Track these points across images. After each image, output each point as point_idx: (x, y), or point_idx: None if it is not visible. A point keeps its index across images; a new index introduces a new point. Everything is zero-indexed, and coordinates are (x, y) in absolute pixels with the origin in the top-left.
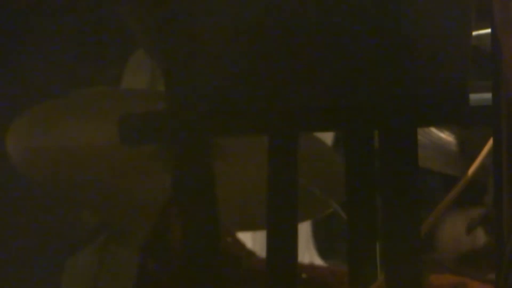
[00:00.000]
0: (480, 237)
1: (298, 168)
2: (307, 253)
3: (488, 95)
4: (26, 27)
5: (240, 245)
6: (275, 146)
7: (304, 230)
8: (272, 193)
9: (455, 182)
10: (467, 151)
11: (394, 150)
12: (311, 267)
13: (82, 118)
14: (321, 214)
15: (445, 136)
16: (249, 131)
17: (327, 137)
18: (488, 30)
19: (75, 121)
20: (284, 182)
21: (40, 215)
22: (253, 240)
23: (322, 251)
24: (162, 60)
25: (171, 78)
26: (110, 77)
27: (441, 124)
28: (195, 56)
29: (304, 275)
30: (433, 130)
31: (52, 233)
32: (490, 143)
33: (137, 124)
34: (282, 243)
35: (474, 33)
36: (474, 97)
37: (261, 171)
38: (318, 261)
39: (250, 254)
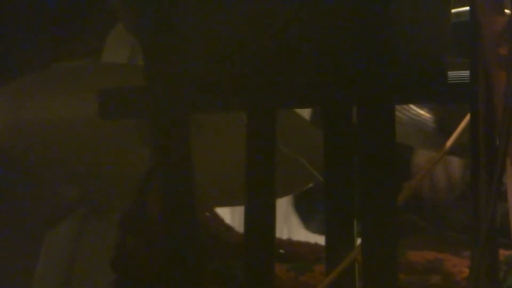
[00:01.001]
0: None
1: (279, 143)
2: (285, 228)
3: (466, 72)
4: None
5: (219, 220)
6: (253, 122)
7: (283, 205)
8: (250, 168)
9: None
10: (445, 128)
11: (372, 126)
12: (289, 242)
13: (62, 92)
14: (305, 187)
15: (424, 113)
16: (227, 106)
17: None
18: (467, 8)
19: (54, 94)
20: (262, 157)
21: (18, 190)
22: (231, 215)
23: (306, 223)
24: (142, 35)
25: (150, 53)
26: (91, 51)
27: (419, 100)
28: (174, 31)
29: (282, 251)
30: (412, 106)
31: (31, 207)
32: (467, 119)
33: (116, 98)
34: (260, 218)
35: (453, 10)
36: (452, 74)
37: (239, 146)
38: (297, 235)
39: (228, 229)
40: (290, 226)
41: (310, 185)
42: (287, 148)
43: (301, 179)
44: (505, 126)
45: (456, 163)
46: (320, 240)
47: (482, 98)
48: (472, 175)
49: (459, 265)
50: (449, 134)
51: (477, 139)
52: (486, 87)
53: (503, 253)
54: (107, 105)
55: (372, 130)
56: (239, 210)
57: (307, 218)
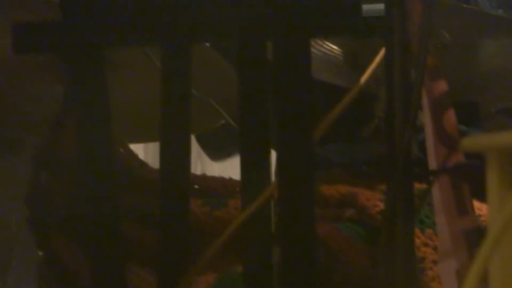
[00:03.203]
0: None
1: (192, 79)
2: (199, 164)
3: (380, 6)
4: None
5: (133, 156)
6: (167, 57)
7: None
8: (165, 104)
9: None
10: (358, 63)
11: (288, 60)
12: (203, 177)
13: None
14: (214, 125)
15: (337, 48)
16: (142, 41)
17: None
18: None
19: None
20: (177, 93)
21: None
22: (145, 151)
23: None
24: None
25: None
26: None
27: (333, 35)
28: None
29: (196, 186)
30: (325, 41)
31: None
32: (381, 53)
33: (31, 33)
34: (175, 154)
35: None
36: (367, 7)
37: (153, 82)
38: (210, 171)
39: (143, 164)
40: (203, 162)
41: (221, 122)
42: (198, 85)
43: (211, 116)
44: (421, 58)
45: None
46: (234, 175)
47: (397, 31)
48: (388, 107)
49: (373, 199)
50: (362, 69)
51: (392, 73)
52: (402, 20)
53: (416, 186)
54: (22, 39)
55: (288, 65)
56: (153, 146)
57: (214, 154)
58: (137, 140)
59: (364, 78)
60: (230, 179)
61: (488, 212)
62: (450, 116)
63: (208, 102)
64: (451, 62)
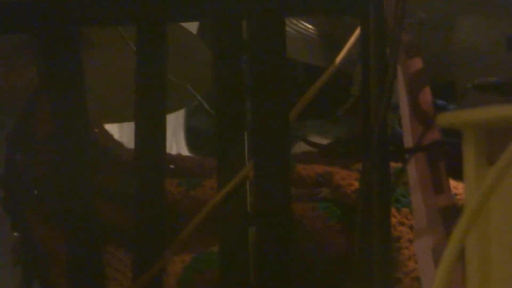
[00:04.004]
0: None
1: (167, 59)
2: (174, 144)
3: None
4: None
5: (108, 136)
6: (143, 37)
7: (171, 121)
8: (140, 84)
9: (321, 72)
10: (333, 42)
11: (263, 40)
12: (179, 157)
13: None
14: (187, 105)
15: (312, 27)
16: (117, 21)
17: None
18: None
19: None
20: (152, 72)
21: None
22: (120, 132)
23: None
24: None
25: None
26: None
27: (308, 14)
28: None
29: (171, 166)
30: (300, 20)
31: None
32: (357, 33)
33: (5, 13)
34: (150, 134)
35: None
36: None
37: (128, 62)
38: (186, 151)
39: (118, 144)
40: (179, 142)
41: (195, 102)
42: (172, 66)
43: (183, 97)
44: (396, 37)
45: None
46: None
47: (372, 10)
48: (362, 86)
49: (348, 178)
50: (337, 48)
51: (367, 51)
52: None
53: (392, 165)
54: None
55: (263, 44)
56: (128, 126)
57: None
58: (112, 120)
59: (339, 58)
60: (206, 159)
61: (464, 189)
62: (426, 94)
63: (182, 84)
64: (427, 40)
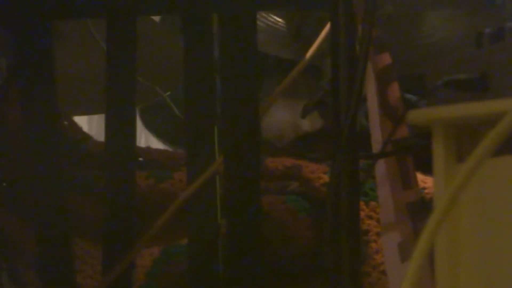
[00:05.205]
0: (316, 120)
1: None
2: (143, 136)
3: None
4: None
5: (77, 128)
6: (113, 30)
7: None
8: (110, 76)
9: (291, 66)
10: (303, 35)
11: (233, 33)
12: (148, 150)
13: None
14: (150, 101)
15: (281, 20)
16: (87, 13)
17: None
18: None
19: None
20: (122, 65)
21: None
22: (89, 124)
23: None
24: None
25: None
26: None
27: (279, 7)
28: None
29: (140, 158)
30: (270, 14)
31: None
32: (327, 27)
33: None
34: (120, 126)
35: None
36: None
37: (98, 55)
38: (155, 143)
39: (87, 137)
40: (148, 134)
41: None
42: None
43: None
44: (366, 31)
45: None
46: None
47: (342, 3)
48: (332, 80)
49: (317, 171)
50: (306, 41)
51: (337, 46)
52: None
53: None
54: None
55: (234, 37)
56: (97, 119)
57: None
58: (81, 113)
59: (310, 53)
60: (175, 152)
61: (434, 185)
62: (394, 89)
63: (146, 83)
64: (396, 34)
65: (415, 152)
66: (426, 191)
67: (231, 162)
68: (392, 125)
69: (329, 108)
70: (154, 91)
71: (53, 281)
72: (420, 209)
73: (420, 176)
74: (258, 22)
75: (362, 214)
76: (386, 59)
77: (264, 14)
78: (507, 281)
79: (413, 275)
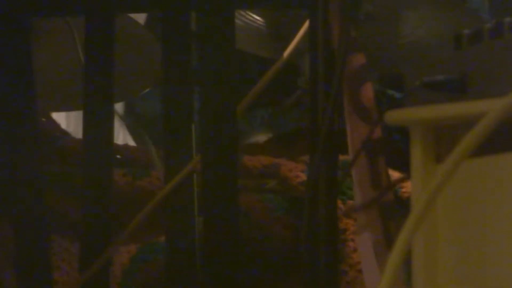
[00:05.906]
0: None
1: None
2: (121, 133)
3: None
4: None
5: (55, 125)
6: (91, 27)
7: (118, 110)
8: (88, 73)
9: (271, 64)
10: (282, 33)
11: (212, 31)
12: (126, 147)
13: None
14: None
15: (260, 18)
16: (66, 11)
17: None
18: None
19: None
20: (100, 62)
21: None
22: (66, 120)
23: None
24: None
25: None
26: None
27: (258, 6)
28: None
29: (118, 156)
30: (248, 12)
31: None
32: (306, 26)
33: None
34: (98, 124)
35: None
36: None
37: (77, 51)
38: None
39: (65, 134)
40: (126, 132)
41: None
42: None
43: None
44: (344, 30)
45: None
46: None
47: (320, 2)
48: (311, 79)
49: (295, 170)
50: (285, 40)
51: (316, 45)
52: None
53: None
54: None
55: (212, 35)
56: (74, 116)
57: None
58: (58, 109)
59: (288, 51)
60: (152, 149)
61: (411, 186)
62: (367, 90)
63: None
64: (373, 33)
65: (386, 148)
66: (403, 189)
67: (208, 160)
68: (365, 126)
69: (307, 107)
70: (133, 88)
71: (29, 278)
72: (393, 209)
73: (397, 174)
74: (236, 20)
75: (339, 212)
76: (359, 59)
77: (242, 12)
78: (484, 281)
79: (390, 277)
